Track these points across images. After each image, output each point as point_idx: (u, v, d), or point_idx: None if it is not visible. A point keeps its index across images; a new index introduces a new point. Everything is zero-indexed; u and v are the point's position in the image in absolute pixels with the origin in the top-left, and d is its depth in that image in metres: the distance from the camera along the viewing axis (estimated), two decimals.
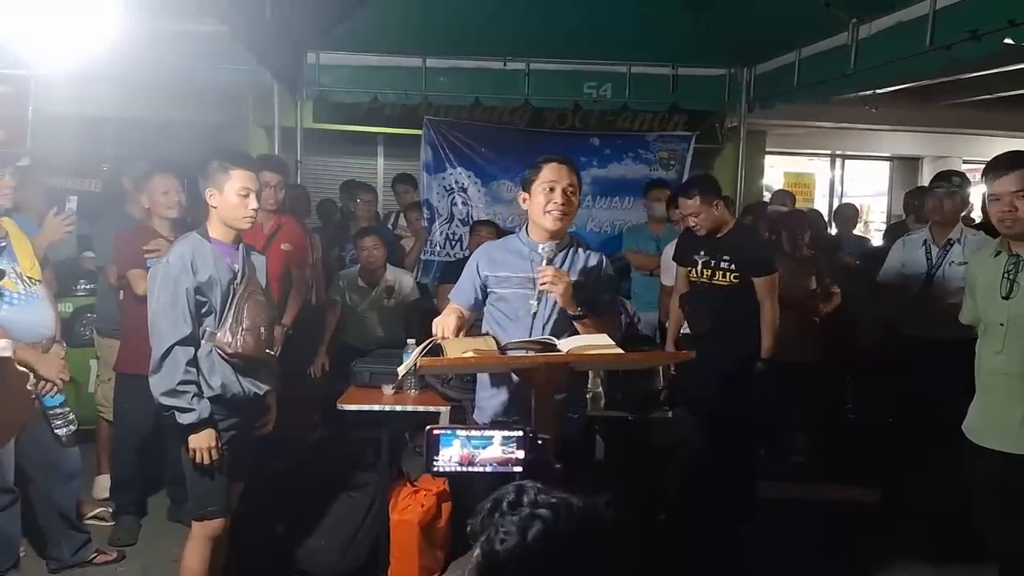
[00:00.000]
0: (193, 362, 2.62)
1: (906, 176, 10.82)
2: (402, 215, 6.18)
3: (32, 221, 3.63)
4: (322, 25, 5.31)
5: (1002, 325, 2.60)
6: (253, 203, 2.72)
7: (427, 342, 2.49)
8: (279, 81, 5.28)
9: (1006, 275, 2.61)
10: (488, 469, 1.97)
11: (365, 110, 7.29)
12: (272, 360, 2.94)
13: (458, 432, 1.97)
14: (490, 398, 2.69)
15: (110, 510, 3.92)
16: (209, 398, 2.64)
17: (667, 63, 5.67)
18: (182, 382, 2.58)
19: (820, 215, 6.42)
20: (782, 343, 3.73)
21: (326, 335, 4.73)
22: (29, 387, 2.98)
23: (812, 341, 4.56)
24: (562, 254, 2.64)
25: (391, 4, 5.12)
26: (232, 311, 2.67)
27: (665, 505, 3.94)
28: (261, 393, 2.84)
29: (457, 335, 2.55)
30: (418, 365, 2.40)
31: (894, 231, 5.74)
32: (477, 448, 1.96)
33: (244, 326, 2.68)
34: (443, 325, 2.54)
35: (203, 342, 2.66)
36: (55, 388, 3.05)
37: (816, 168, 11.45)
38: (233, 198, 2.69)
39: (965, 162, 10.44)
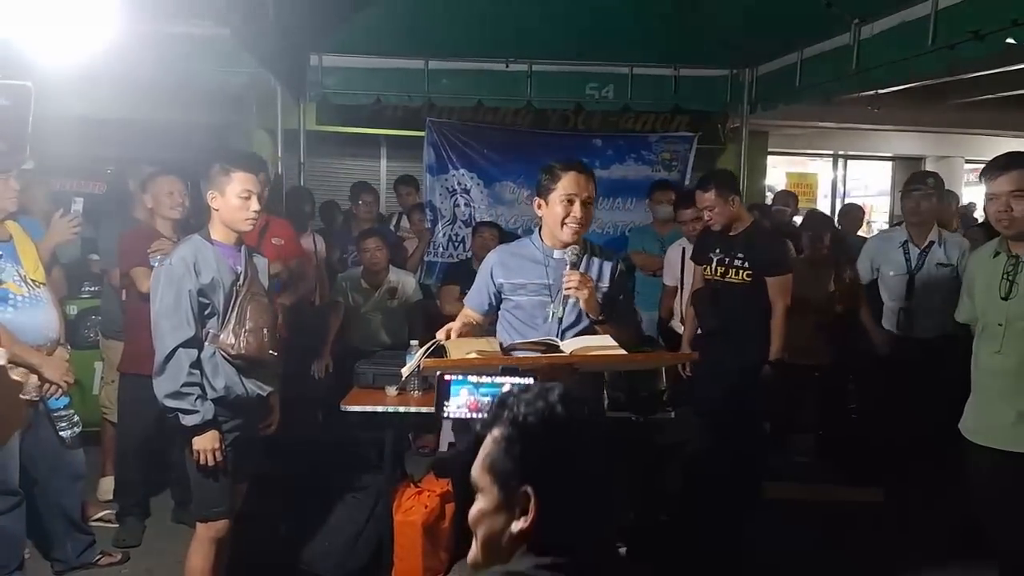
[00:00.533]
0: (196, 364, 2.63)
1: (908, 177, 10.80)
2: (404, 216, 6.18)
3: (38, 223, 3.65)
4: (325, 27, 5.31)
5: (1000, 325, 2.63)
6: (255, 205, 2.73)
7: (430, 343, 2.50)
8: (282, 83, 5.29)
9: (1005, 276, 2.63)
10: None
11: (368, 112, 7.29)
12: (275, 361, 2.95)
13: (469, 379, 1.95)
14: None
15: (114, 512, 3.93)
16: (212, 400, 2.65)
17: (669, 64, 5.66)
18: (185, 384, 2.59)
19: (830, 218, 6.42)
20: (797, 346, 3.71)
21: (329, 336, 4.74)
22: (33, 390, 2.99)
23: (826, 344, 4.54)
24: (583, 259, 2.65)
25: (393, 6, 5.11)
26: (235, 313, 2.68)
27: (667, 506, 3.93)
28: (264, 394, 2.85)
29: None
30: (421, 366, 2.41)
31: (892, 229, 5.74)
32: (485, 396, 1.95)
33: (247, 327, 2.69)
34: (447, 327, 2.55)
35: (206, 344, 2.67)
36: (60, 390, 3.07)
37: (818, 168, 11.45)
38: (235, 200, 2.70)
39: (968, 162, 10.45)
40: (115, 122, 6.12)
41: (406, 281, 4.86)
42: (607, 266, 2.71)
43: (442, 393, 1.95)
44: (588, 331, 2.59)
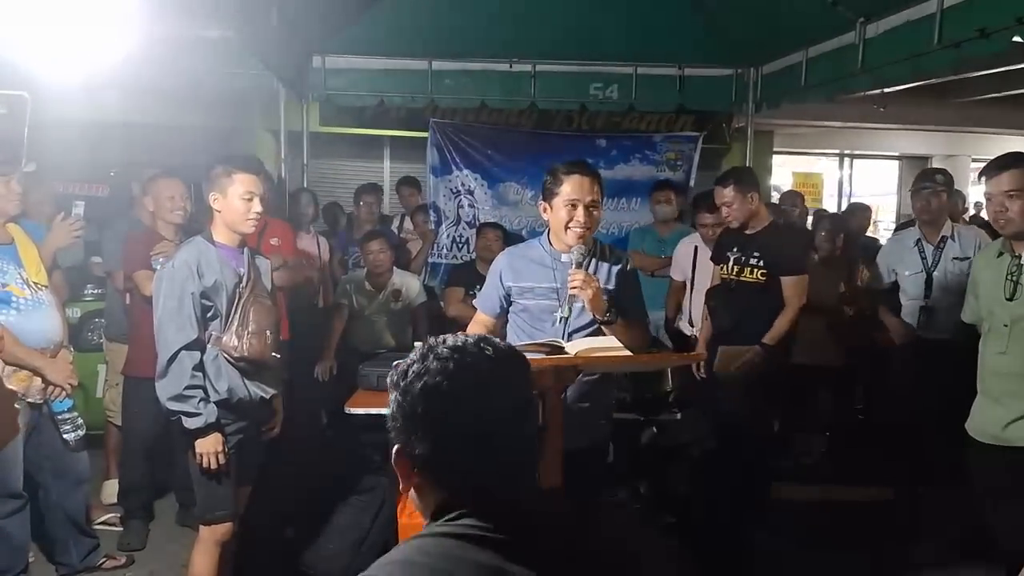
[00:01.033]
0: (199, 366, 2.62)
1: (915, 175, 10.76)
2: (407, 218, 6.18)
3: (41, 226, 3.64)
4: (328, 29, 5.31)
5: (1006, 326, 2.64)
6: (257, 206, 2.72)
7: None
8: (285, 85, 5.29)
9: (1009, 276, 2.65)
10: None
11: (371, 113, 7.29)
12: (278, 364, 2.94)
13: None
14: None
15: (119, 515, 3.92)
16: (216, 402, 2.64)
17: (674, 64, 5.64)
18: (188, 387, 2.58)
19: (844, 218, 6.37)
20: (809, 346, 3.67)
21: (333, 338, 4.73)
22: (36, 393, 2.99)
23: (838, 346, 4.50)
24: (589, 259, 2.62)
25: (396, 7, 5.12)
26: (238, 315, 2.68)
27: (674, 506, 3.91)
28: (267, 397, 2.84)
29: None
30: None
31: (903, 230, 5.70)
32: None
33: (250, 330, 2.69)
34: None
35: (209, 346, 2.66)
36: (63, 393, 3.06)
37: (824, 168, 11.42)
38: (237, 202, 2.69)
39: (974, 160, 10.40)
40: (118, 125, 6.14)
41: (410, 283, 4.85)
42: (615, 266, 2.68)
43: None
44: (596, 334, 2.57)
